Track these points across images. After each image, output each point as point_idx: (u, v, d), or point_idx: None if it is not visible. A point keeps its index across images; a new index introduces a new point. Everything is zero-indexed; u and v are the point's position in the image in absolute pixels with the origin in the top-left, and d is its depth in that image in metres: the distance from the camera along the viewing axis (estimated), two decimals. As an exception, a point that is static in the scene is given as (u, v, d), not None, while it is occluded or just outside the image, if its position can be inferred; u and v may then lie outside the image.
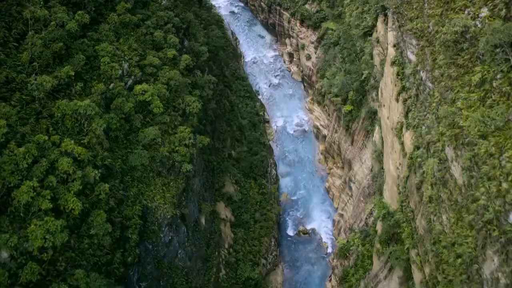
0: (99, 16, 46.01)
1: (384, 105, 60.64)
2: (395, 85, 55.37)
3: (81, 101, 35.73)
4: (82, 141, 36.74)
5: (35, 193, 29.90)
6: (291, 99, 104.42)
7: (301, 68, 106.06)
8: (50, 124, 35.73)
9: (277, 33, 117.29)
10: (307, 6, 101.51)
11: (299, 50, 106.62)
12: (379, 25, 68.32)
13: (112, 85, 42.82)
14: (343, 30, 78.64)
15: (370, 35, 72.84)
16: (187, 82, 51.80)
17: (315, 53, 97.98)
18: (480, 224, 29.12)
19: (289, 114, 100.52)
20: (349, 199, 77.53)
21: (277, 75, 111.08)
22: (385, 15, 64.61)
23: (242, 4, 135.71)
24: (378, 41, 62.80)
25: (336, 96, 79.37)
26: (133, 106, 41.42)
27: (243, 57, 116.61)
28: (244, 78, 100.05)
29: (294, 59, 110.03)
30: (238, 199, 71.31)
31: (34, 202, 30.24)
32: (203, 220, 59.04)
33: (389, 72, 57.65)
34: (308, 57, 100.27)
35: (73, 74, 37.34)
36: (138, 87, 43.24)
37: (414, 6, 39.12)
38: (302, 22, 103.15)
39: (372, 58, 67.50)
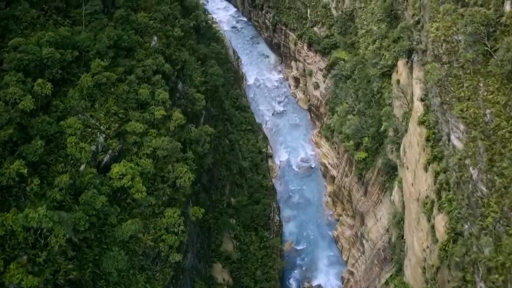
0: (69, 75, 37.55)
1: (407, 168, 52.34)
2: (423, 149, 47.10)
3: (35, 210, 27.43)
4: (38, 259, 28.54)
5: None
6: (297, 129, 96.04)
7: (308, 96, 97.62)
8: (-6, 240, 27.54)
9: (282, 54, 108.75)
10: (315, 29, 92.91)
11: (306, 76, 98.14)
12: (401, 66, 59.94)
13: (82, 166, 34.58)
14: (358, 67, 70.13)
15: (389, 75, 64.52)
16: (178, 146, 43.48)
17: (324, 82, 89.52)
18: None
19: (294, 147, 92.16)
20: (361, 255, 69.42)
21: (281, 102, 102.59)
22: (409, 57, 56.32)
23: (245, 19, 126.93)
24: (401, 91, 54.28)
25: (348, 138, 71.07)
26: (107, 200, 33.13)
27: (245, 79, 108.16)
28: (246, 107, 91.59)
29: (300, 84, 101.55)
30: (237, 259, 63.25)
31: None
32: (196, 298, 50.97)
33: (416, 131, 49.32)
34: (316, 86, 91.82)
35: (26, 171, 29.05)
36: (115, 170, 34.90)
37: (465, 85, 30.74)
38: (309, 46, 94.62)
39: (392, 106, 59.14)
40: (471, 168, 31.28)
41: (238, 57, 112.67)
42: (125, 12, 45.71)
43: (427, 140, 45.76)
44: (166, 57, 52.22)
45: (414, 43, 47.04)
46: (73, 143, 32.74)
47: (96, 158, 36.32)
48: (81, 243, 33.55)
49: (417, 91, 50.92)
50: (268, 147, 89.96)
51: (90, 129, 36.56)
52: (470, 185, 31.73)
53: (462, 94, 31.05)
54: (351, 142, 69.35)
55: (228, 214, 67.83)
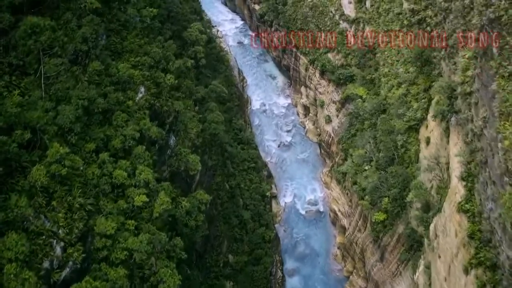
0: (17, 163, 28.88)
1: (439, 256, 43.61)
2: (464, 246, 38.21)
3: None
4: None
5: None
6: (304, 165, 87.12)
7: (318, 129, 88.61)
8: None
9: (291, 77, 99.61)
10: (329, 55, 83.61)
11: (316, 106, 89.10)
12: (432, 123, 51.02)
13: (28, 295, 26.10)
14: (381, 117, 61.06)
15: (417, 129, 55.60)
16: (162, 240, 34.99)
17: (337, 116, 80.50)
18: None
19: (301, 186, 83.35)
20: (374, 329, 61.09)
21: (289, 131, 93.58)
22: (444, 116, 47.15)
23: (253, 34, 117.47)
24: (436, 163, 45.39)
25: (363, 191, 62.28)
26: None
27: (250, 103, 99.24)
28: (250, 140, 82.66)
29: (310, 114, 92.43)
30: (231, 333, 55.16)
31: None
32: None
33: (454, 218, 40.39)
34: (328, 120, 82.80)
35: None
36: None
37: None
38: (322, 73, 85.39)
39: (419, 172, 50.26)
40: None
41: (244, 78, 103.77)
42: (101, 65, 36.89)
43: (471, 237, 36.97)
44: (155, 111, 43.80)
45: (462, 115, 38.01)
46: (11, 276, 24.15)
47: (51, 277, 27.85)
48: None
49: (456, 166, 41.94)
50: (273, 185, 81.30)
51: (43, 238, 28.03)
52: None
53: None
54: (367, 198, 60.61)
55: (225, 275, 59.49)
